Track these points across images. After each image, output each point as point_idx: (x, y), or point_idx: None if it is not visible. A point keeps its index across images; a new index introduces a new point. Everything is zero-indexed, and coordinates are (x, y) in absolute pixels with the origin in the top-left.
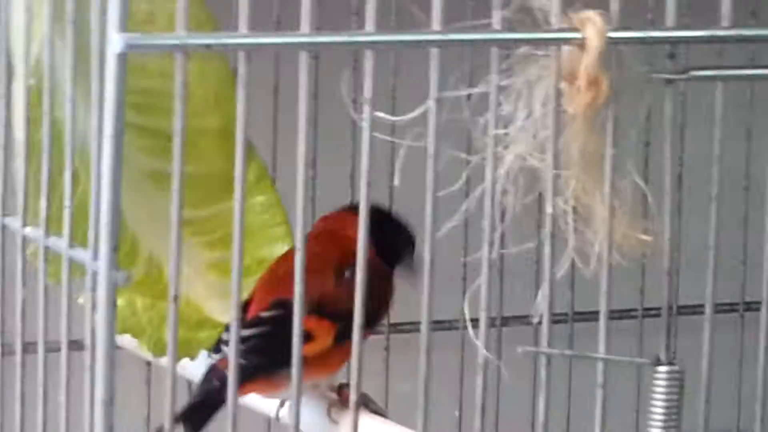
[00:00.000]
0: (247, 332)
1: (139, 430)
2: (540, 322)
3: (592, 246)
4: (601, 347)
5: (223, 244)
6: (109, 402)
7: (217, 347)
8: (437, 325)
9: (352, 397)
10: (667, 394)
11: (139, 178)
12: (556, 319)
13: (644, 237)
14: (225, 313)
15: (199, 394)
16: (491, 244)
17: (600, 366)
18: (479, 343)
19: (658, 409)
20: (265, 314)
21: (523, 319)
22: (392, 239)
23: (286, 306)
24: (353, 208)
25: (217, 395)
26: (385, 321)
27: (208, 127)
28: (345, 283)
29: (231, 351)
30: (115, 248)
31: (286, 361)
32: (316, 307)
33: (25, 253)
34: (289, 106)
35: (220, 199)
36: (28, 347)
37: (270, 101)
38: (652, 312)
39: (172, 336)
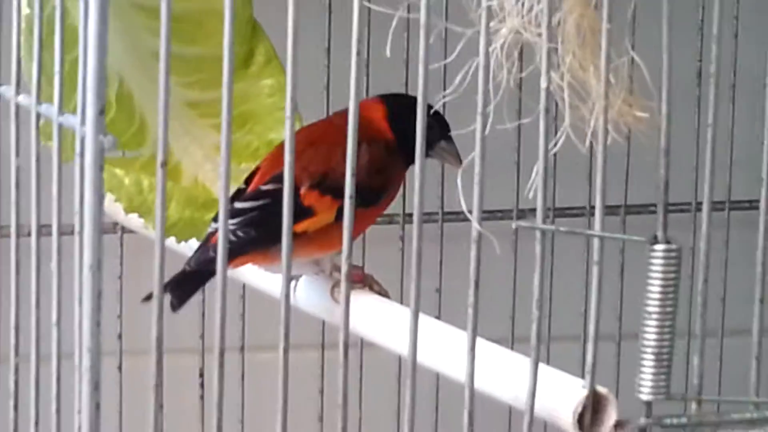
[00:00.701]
0: (245, 204)
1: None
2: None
3: (587, 122)
4: (597, 225)
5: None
6: (97, 267)
7: (216, 217)
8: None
9: (344, 268)
10: (664, 272)
11: (146, 58)
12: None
13: (640, 114)
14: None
15: (192, 263)
16: (485, 118)
17: (596, 242)
18: (473, 219)
19: (655, 287)
20: (264, 187)
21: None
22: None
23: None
24: (384, 96)
25: (210, 265)
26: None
27: (215, 7)
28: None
29: (220, 225)
30: (101, 111)
31: (276, 237)
32: (319, 183)
33: (18, 121)
34: None
35: None
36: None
37: None
38: (634, 209)
39: (160, 202)
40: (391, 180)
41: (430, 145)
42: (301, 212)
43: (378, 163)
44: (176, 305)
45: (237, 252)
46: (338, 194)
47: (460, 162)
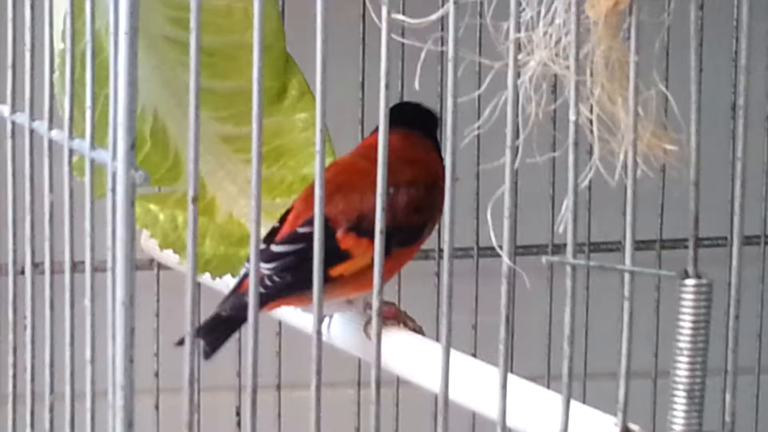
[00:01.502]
0: (281, 248)
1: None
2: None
3: (616, 155)
4: (627, 260)
5: (265, 160)
6: (129, 303)
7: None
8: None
9: (375, 304)
10: (695, 308)
11: (180, 93)
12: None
13: (670, 146)
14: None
15: (226, 308)
16: (514, 152)
17: (627, 277)
18: (504, 254)
19: (686, 323)
20: (300, 230)
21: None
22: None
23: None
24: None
25: (244, 311)
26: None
27: (249, 42)
28: (387, 201)
29: (252, 264)
30: (132, 146)
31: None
32: (355, 225)
33: (51, 156)
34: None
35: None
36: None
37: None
38: (669, 244)
39: (191, 236)
40: (432, 216)
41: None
42: (338, 256)
43: (419, 200)
44: (209, 352)
45: (273, 297)
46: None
47: None
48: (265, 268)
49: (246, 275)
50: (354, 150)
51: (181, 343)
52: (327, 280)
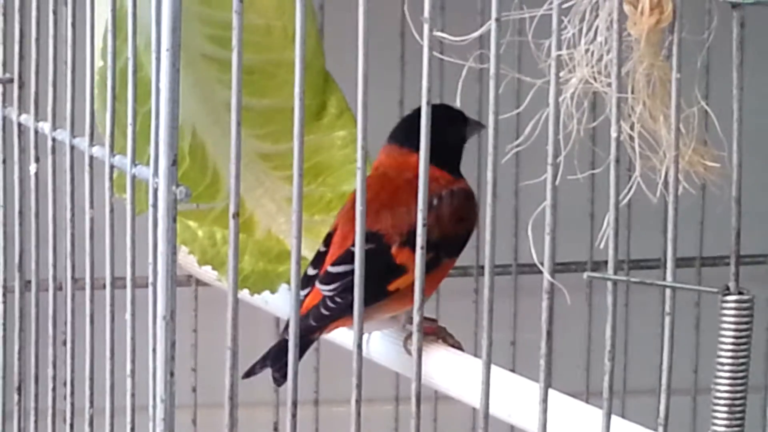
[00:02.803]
0: (339, 269)
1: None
2: None
3: (657, 172)
4: (669, 275)
5: (304, 177)
6: (170, 317)
7: (305, 282)
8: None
9: (415, 319)
10: (736, 324)
11: (219, 111)
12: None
13: (711, 163)
14: (306, 247)
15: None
16: (555, 169)
17: (668, 293)
18: (545, 270)
19: (727, 339)
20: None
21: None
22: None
23: (376, 239)
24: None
25: (311, 334)
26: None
27: (287, 59)
28: (433, 212)
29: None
30: (174, 162)
31: (373, 296)
32: (408, 239)
33: (92, 172)
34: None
35: None
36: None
37: None
38: (708, 261)
39: (233, 250)
40: (472, 226)
41: (464, 139)
42: (394, 270)
43: (461, 210)
44: (279, 379)
45: (335, 317)
46: (428, 248)
47: (483, 126)
48: (326, 290)
49: (302, 300)
50: (377, 167)
51: (248, 375)
52: (385, 294)
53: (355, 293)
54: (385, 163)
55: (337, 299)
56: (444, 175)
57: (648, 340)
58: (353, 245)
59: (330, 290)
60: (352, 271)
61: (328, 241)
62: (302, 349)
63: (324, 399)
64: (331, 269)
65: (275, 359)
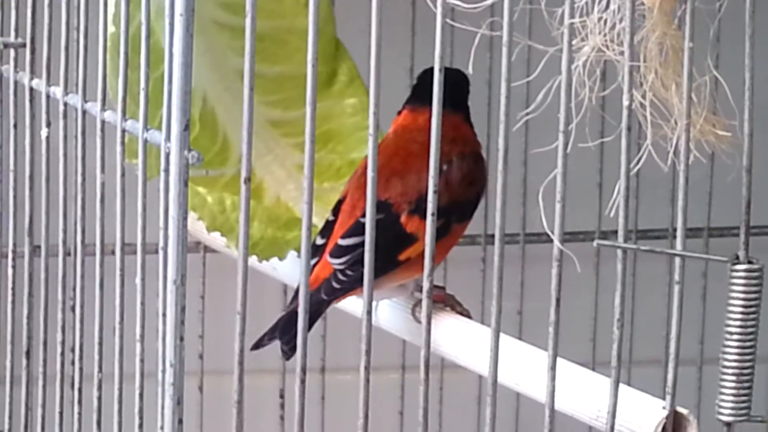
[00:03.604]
0: (350, 241)
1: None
2: None
3: (669, 141)
4: (679, 244)
5: None
6: (180, 282)
7: (313, 251)
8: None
9: (425, 285)
10: (745, 292)
11: (229, 77)
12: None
13: (722, 132)
14: (316, 215)
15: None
16: (567, 137)
17: (677, 262)
18: (555, 238)
19: (736, 308)
20: (363, 220)
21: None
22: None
23: (385, 208)
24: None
25: (321, 306)
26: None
27: (299, 26)
28: (443, 176)
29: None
30: (186, 127)
31: (384, 266)
32: (417, 207)
33: (103, 137)
34: None
35: None
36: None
37: None
38: (716, 231)
39: (244, 216)
40: (482, 188)
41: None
42: (405, 239)
43: (471, 174)
44: (288, 353)
45: (348, 290)
46: (439, 214)
47: None
48: (336, 263)
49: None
50: (390, 133)
51: (257, 347)
52: (396, 264)
53: (366, 263)
54: (402, 125)
55: (348, 272)
56: (468, 132)
57: (654, 309)
58: (363, 216)
59: (341, 263)
60: (362, 244)
61: (337, 209)
62: (311, 321)
63: (330, 367)
64: (341, 242)
65: (284, 331)
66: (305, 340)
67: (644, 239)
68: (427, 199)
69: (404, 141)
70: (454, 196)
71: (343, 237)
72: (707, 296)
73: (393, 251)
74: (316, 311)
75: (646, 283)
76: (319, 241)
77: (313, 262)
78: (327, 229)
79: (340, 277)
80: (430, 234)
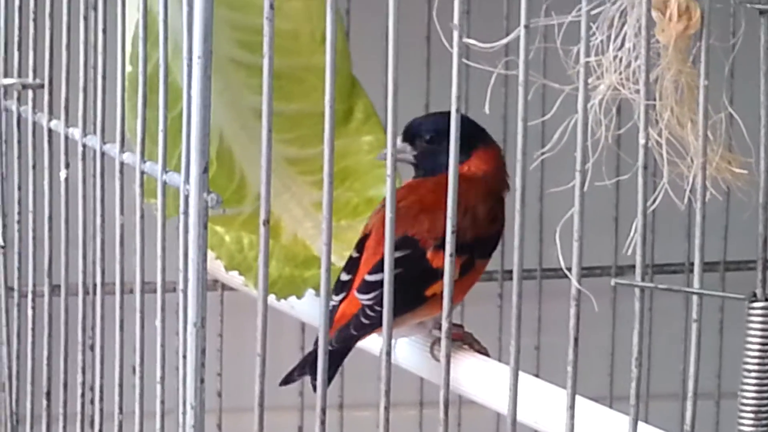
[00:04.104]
0: (376, 277)
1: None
2: None
3: (685, 179)
4: (696, 282)
5: None
6: (201, 324)
7: (338, 288)
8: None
9: (444, 325)
10: (763, 330)
11: (247, 116)
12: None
13: (739, 170)
14: (333, 253)
15: (333, 341)
16: (584, 175)
17: (695, 300)
18: (572, 277)
19: (754, 345)
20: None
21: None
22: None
23: (411, 244)
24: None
25: (351, 342)
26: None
27: (315, 64)
28: (467, 215)
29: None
30: (205, 170)
31: (411, 302)
32: (442, 242)
33: (123, 178)
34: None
35: None
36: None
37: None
38: (733, 266)
39: (263, 258)
40: (503, 226)
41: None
42: (431, 275)
43: (494, 210)
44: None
45: (377, 325)
46: (462, 251)
47: None
48: (365, 299)
49: (335, 307)
50: (403, 189)
51: (286, 382)
52: (423, 300)
53: (385, 301)
54: (412, 185)
55: (377, 308)
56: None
57: (670, 343)
58: None
59: (369, 299)
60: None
61: (361, 245)
62: (341, 357)
63: (348, 403)
64: (368, 278)
65: (314, 367)
66: (325, 381)
67: (660, 273)
68: (449, 236)
69: (438, 178)
70: (479, 232)
71: (370, 273)
72: (724, 330)
73: (420, 287)
74: (345, 347)
75: (662, 317)
76: (344, 277)
77: (338, 298)
78: (352, 265)
79: (369, 312)
80: (448, 274)
